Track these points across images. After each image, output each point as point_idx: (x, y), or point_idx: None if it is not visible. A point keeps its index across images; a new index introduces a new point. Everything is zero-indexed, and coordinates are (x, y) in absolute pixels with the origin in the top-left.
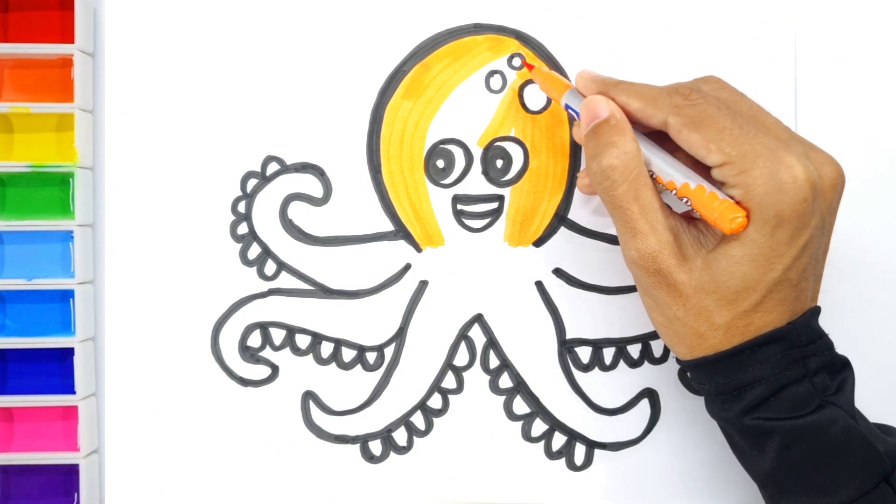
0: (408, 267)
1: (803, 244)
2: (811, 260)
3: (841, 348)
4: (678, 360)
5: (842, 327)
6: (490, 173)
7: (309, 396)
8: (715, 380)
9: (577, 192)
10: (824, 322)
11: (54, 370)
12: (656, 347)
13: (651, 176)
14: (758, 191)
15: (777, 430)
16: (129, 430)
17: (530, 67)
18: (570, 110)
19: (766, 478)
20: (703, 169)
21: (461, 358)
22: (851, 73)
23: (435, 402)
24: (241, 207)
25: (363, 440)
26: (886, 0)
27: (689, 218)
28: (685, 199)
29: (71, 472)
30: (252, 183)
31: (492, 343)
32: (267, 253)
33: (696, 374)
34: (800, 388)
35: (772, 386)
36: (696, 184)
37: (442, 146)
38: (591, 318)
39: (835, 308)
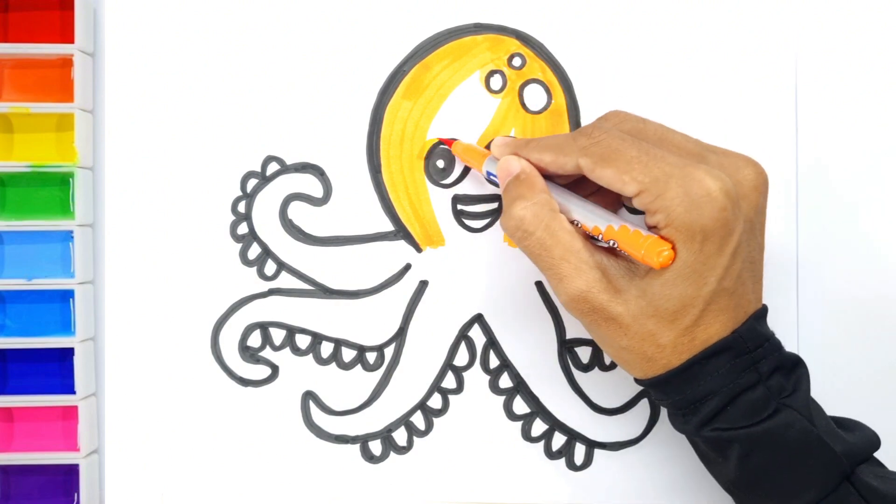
0: (408, 267)
1: (732, 252)
2: (745, 265)
3: (793, 346)
4: (636, 381)
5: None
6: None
7: (309, 396)
8: (671, 396)
9: None
10: (776, 322)
11: (54, 370)
12: None
13: (576, 224)
14: (676, 211)
15: (735, 439)
16: (129, 430)
17: (449, 144)
18: (491, 177)
19: (732, 484)
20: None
21: (461, 358)
22: (852, 91)
23: (435, 402)
24: (241, 207)
25: (363, 440)
26: (887, 18)
27: (616, 252)
28: (612, 242)
29: (71, 472)
30: (252, 183)
31: (492, 343)
32: (267, 253)
33: (654, 393)
34: (755, 394)
35: (726, 395)
36: (619, 224)
37: (442, 146)
38: None
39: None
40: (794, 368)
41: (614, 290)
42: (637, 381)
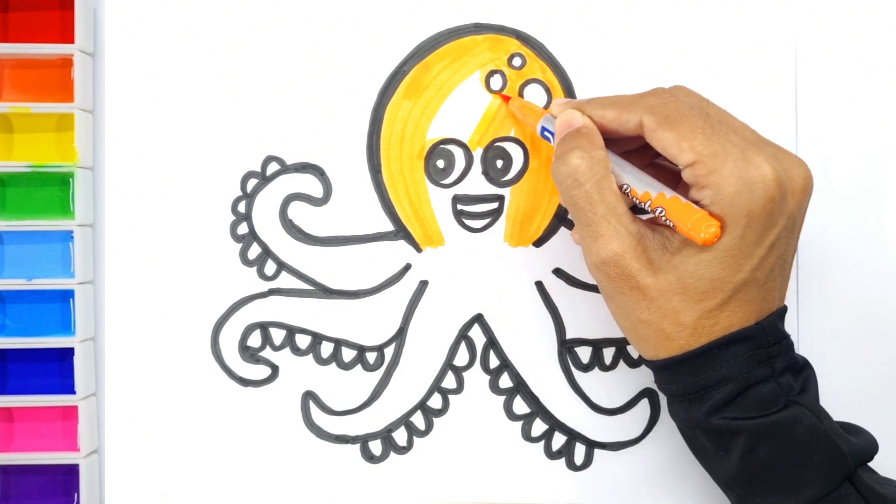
0: (408, 267)
1: (771, 244)
2: (778, 260)
3: (805, 349)
4: (645, 362)
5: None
6: (490, 173)
7: (309, 396)
8: (682, 379)
9: None
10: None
11: (54, 370)
12: None
13: (624, 189)
14: (728, 190)
15: (742, 429)
16: (129, 430)
17: (506, 99)
18: (545, 133)
19: (732, 479)
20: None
21: (461, 358)
22: (852, 91)
23: (435, 402)
24: (241, 207)
25: (363, 440)
26: (887, 9)
27: (654, 223)
28: (659, 210)
29: (71, 472)
30: (252, 183)
31: (492, 343)
32: (267, 253)
33: (663, 375)
34: (766, 388)
35: (738, 385)
36: (671, 194)
37: (442, 146)
38: (591, 318)
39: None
40: (802, 371)
41: (647, 260)
42: (646, 362)
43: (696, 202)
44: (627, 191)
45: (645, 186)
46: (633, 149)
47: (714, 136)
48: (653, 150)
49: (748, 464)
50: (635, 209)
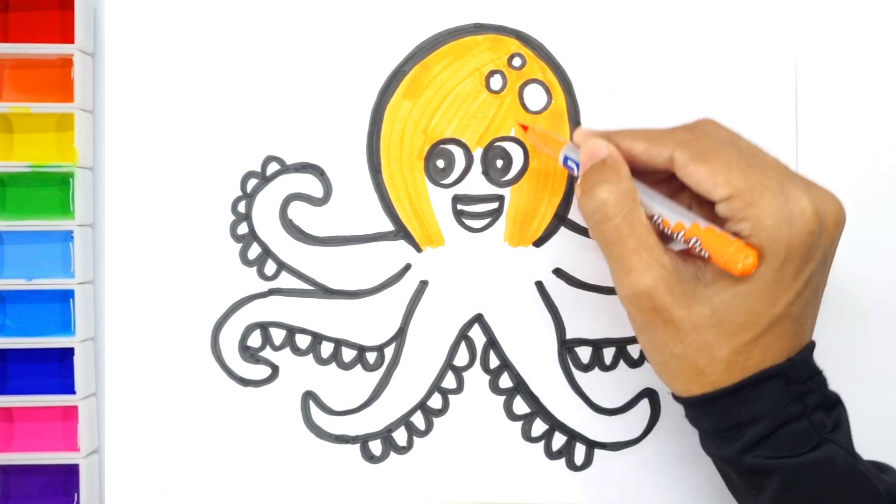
0: (408, 267)
1: (807, 278)
2: (812, 295)
3: (836, 385)
4: (675, 398)
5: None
6: (490, 173)
7: (309, 396)
8: (714, 417)
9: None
10: (822, 358)
11: (54, 370)
12: None
13: (655, 220)
14: (767, 223)
15: (777, 468)
16: (129, 430)
17: (525, 128)
18: (569, 163)
19: None
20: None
21: (461, 358)
22: (852, 92)
23: (435, 402)
24: (241, 207)
25: (363, 440)
26: (887, 18)
27: (686, 254)
28: (694, 240)
29: (71, 472)
30: (252, 183)
31: (492, 343)
32: (267, 253)
33: (695, 412)
34: (798, 426)
35: (772, 423)
36: (706, 224)
37: (442, 146)
38: (591, 318)
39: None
40: (835, 407)
41: (680, 292)
42: (677, 398)
43: (735, 234)
44: (658, 221)
45: (678, 217)
46: (657, 181)
47: (749, 169)
48: (677, 183)
49: (784, 503)
50: (663, 238)
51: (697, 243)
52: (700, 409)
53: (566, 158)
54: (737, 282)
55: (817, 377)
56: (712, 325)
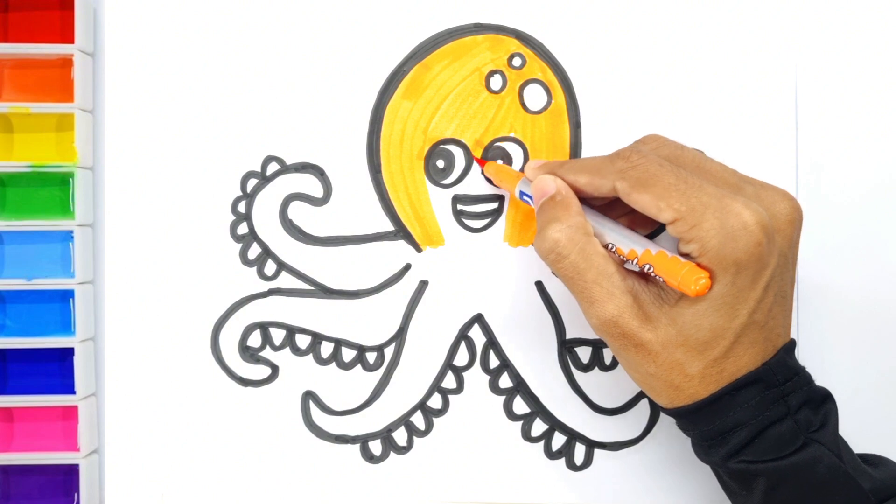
0: (408, 267)
1: (765, 285)
2: (776, 298)
3: (823, 380)
4: (661, 409)
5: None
6: None
7: (309, 396)
8: (698, 427)
9: None
10: (805, 355)
11: (54, 370)
12: None
13: (610, 248)
14: (711, 242)
15: (762, 472)
16: (129, 430)
17: (482, 163)
18: (524, 198)
19: None
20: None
21: (461, 358)
22: (852, 93)
23: (435, 402)
24: (241, 207)
25: (363, 440)
26: (887, 19)
27: (647, 277)
28: (647, 266)
29: (71, 472)
30: (252, 183)
31: (492, 343)
32: (267, 253)
33: (680, 422)
34: (783, 427)
35: (754, 428)
36: (656, 250)
37: (442, 146)
38: None
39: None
40: (823, 403)
41: (644, 316)
42: (663, 409)
43: (686, 255)
44: (613, 249)
45: (630, 244)
46: (613, 200)
47: (689, 190)
48: None
49: (771, 503)
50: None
51: (651, 269)
52: (685, 420)
53: (521, 193)
54: (696, 301)
55: (798, 377)
56: (680, 343)
